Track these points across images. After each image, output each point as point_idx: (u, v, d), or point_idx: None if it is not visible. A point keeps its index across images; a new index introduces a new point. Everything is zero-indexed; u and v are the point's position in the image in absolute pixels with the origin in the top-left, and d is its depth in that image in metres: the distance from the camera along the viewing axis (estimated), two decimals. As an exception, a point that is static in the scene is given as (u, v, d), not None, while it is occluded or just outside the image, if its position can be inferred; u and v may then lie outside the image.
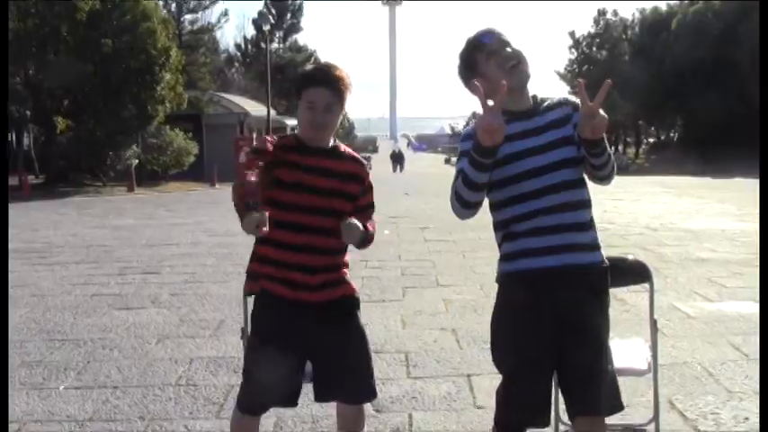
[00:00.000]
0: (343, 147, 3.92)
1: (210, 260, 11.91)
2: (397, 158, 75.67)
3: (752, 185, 26.78)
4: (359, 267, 10.56)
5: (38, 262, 12.07)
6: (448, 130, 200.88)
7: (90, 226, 17.38)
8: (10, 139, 42.01)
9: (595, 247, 3.65)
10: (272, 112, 45.84)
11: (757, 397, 5.38)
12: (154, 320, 8.07)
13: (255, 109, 45.05)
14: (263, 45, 51.23)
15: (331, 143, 3.84)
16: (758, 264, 10.57)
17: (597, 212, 3.84)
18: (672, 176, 33.98)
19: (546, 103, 3.68)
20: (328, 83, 3.70)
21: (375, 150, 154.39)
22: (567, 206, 3.56)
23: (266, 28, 48.73)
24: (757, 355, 6.34)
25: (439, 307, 8.34)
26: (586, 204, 3.66)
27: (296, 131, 3.89)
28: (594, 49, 72.76)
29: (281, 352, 3.69)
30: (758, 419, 4.98)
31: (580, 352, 3.55)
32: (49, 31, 30.40)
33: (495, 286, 3.79)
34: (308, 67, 3.94)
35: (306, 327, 3.74)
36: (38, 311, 8.54)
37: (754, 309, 7.92)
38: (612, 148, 67.42)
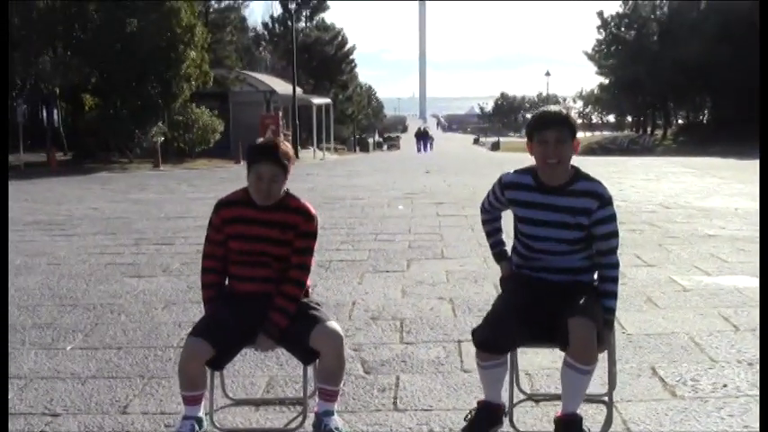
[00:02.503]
0: (292, 200, 4.58)
1: (225, 232, 12.09)
2: (422, 137, 75.13)
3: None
4: (368, 240, 10.77)
5: (58, 233, 12.33)
6: (477, 111, 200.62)
7: (111, 200, 17.66)
8: (40, 116, 42.46)
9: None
10: (299, 90, 45.99)
11: (740, 366, 5.54)
12: (162, 287, 8.30)
13: (282, 87, 45.15)
14: (289, 24, 51.29)
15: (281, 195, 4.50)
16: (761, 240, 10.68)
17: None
18: (697, 157, 33.82)
19: (576, 186, 4.31)
20: (274, 158, 4.38)
21: (405, 130, 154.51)
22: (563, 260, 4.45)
23: (292, 6, 48.95)
24: (746, 327, 6.49)
25: (440, 277, 8.49)
26: (583, 266, 4.45)
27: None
28: (623, 29, 72.21)
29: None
30: (736, 386, 5.15)
31: (569, 307, 4.20)
32: (77, 10, 30.70)
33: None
34: (258, 141, 4.66)
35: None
36: (53, 278, 8.81)
37: (750, 283, 8.03)
38: (641, 130, 67.18)
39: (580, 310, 4.18)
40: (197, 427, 4.38)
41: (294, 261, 4.49)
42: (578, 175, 4.34)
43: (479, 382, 4.69)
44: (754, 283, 8.04)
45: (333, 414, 4.45)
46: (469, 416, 4.43)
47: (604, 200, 4.27)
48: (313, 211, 4.57)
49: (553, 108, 4.45)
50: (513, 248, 4.66)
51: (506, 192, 4.48)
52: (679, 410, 4.73)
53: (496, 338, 4.23)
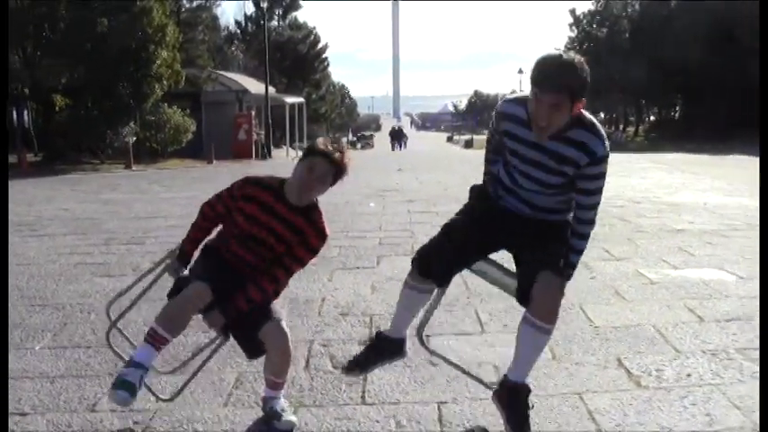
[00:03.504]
0: (316, 212, 4.57)
1: (195, 231, 12.09)
2: (396, 136, 75.16)
3: (748, 162, 26.93)
4: (339, 237, 10.78)
5: (28, 234, 12.29)
6: (451, 109, 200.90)
7: (82, 201, 17.58)
8: (10, 117, 42.14)
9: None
10: (272, 89, 45.91)
11: (704, 356, 5.61)
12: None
13: (255, 87, 45.07)
14: (262, 22, 51.18)
15: (308, 202, 4.51)
16: (730, 234, 10.80)
17: None
18: (668, 153, 34.04)
19: (570, 133, 4.01)
20: (334, 164, 4.39)
21: (378, 128, 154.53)
22: (540, 198, 4.28)
23: (264, 5, 48.93)
24: (711, 318, 6.58)
25: (410, 273, 8.53)
26: (560, 208, 4.32)
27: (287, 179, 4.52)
28: (595, 26, 72.56)
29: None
30: (699, 376, 5.22)
31: (539, 255, 4.18)
32: (46, 9, 30.51)
33: None
34: (326, 144, 4.49)
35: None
36: (22, 279, 8.77)
37: (716, 275, 8.14)
38: (613, 127, 67.50)
39: (552, 264, 4.13)
40: (143, 382, 4.27)
41: (285, 261, 4.49)
42: (580, 120, 4.03)
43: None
44: (720, 275, 8.15)
45: (279, 398, 4.58)
46: (367, 342, 4.54)
47: (596, 158, 4.01)
48: (328, 231, 4.57)
49: (557, 59, 3.93)
50: (497, 174, 4.49)
51: (501, 123, 4.25)
52: (643, 400, 4.79)
53: (432, 264, 4.28)
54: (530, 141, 4.08)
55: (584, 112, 4.02)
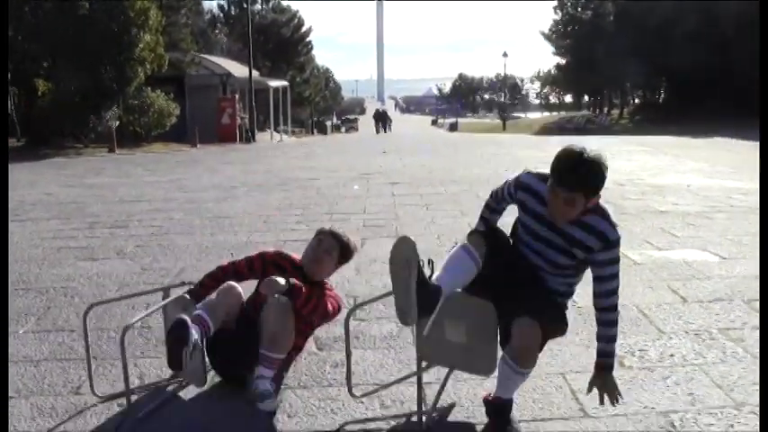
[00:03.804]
0: (327, 288, 5.01)
1: (179, 214, 12.10)
2: (381, 118, 75.02)
3: (730, 145, 27.07)
4: (322, 220, 10.78)
5: (11, 218, 12.22)
6: (435, 92, 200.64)
7: (65, 185, 17.49)
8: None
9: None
10: (255, 73, 45.76)
11: (687, 336, 5.64)
12: (116, 270, 8.29)
13: (238, 70, 44.89)
14: (245, 6, 50.94)
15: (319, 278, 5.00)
16: (713, 216, 10.85)
17: None
18: (652, 136, 34.12)
19: (584, 218, 4.04)
20: (338, 236, 5.08)
21: (363, 112, 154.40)
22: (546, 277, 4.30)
23: (248, -12, 48.64)
24: (694, 299, 6.62)
25: (394, 256, 8.53)
26: (558, 290, 4.35)
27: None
28: (580, 9, 72.68)
29: None
30: (682, 356, 5.25)
31: (520, 304, 4.13)
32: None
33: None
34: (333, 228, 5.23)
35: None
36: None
37: (699, 256, 8.19)
38: (597, 110, 67.78)
39: (529, 309, 4.08)
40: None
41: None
42: (595, 208, 4.06)
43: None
44: (703, 256, 8.21)
45: (267, 378, 4.52)
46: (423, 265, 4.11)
47: (609, 242, 4.07)
48: (335, 314, 5.01)
49: (577, 157, 3.90)
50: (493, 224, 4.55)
51: (519, 192, 4.26)
52: (627, 380, 4.82)
53: (496, 240, 4.31)
54: (545, 220, 4.13)
55: (600, 202, 4.09)
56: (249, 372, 4.67)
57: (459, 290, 4.35)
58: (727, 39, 47.61)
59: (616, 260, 4.15)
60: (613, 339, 4.19)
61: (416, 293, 3.93)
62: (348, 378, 4.49)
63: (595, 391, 4.16)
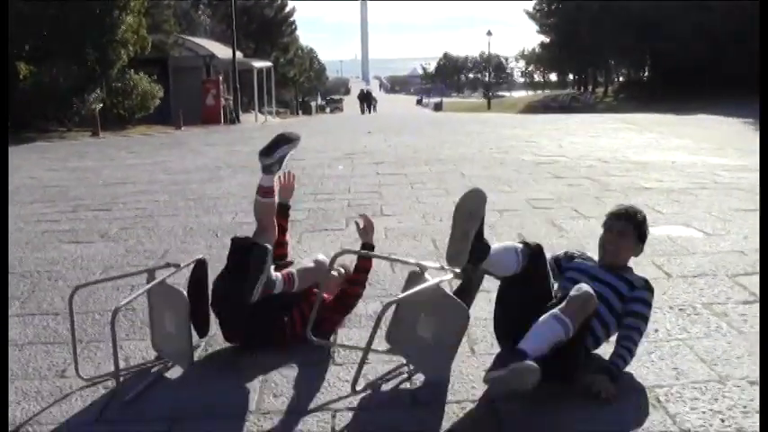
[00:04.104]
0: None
1: (164, 197, 12.06)
2: (365, 98, 74.79)
3: (714, 122, 27.11)
4: (307, 200, 10.79)
5: (-7, 202, 12.19)
6: (420, 72, 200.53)
7: (49, 168, 17.41)
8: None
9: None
10: (239, 54, 45.60)
11: (672, 312, 5.65)
12: (101, 252, 8.26)
13: (222, 51, 44.70)
14: (228, -14, 50.68)
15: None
16: (697, 192, 10.88)
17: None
18: (636, 114, 34.17)
19: (626, 274, 4.82)
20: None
21: (347, 92, 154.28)
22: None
23: (230, -32, 48.31)
24: (678, 274, 6.64)
25: (378, 235, 8.47)
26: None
27: None
28: (564, -14, 72.54)
29: None
30: (667, 331, 5.27)
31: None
32: (8, -25, 30.06)
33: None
34: None
35: None
36: (-12, 248, 8.71)
37: (683, 232, 8.21)
38: (582, 88, 67.83)
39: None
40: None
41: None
42: (633, 271, 4.90)
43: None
44: (687, 232, 8.23)
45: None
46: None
47: (635, 286, 4.71)
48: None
49: (629, 206, 5.10)
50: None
51: (567, 261, 5.04)
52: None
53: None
54: (592, 273, 4.78)
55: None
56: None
57: (446, 288, 4.66)
58: (715, 18, 47.59)
59: (644, 300, 4.68)
60: (629, 356, 4.52)
61: (472, 243, 4.28)
62: (357, 373, 4.53)
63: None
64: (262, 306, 4.91)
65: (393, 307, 4.83)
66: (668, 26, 50.61)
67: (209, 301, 5.18)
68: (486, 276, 4.88)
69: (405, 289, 4.93)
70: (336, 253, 5.30)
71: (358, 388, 4.48)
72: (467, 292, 4.90)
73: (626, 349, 4.47)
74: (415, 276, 5.00)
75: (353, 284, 5.50)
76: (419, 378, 4.69)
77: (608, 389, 4.23)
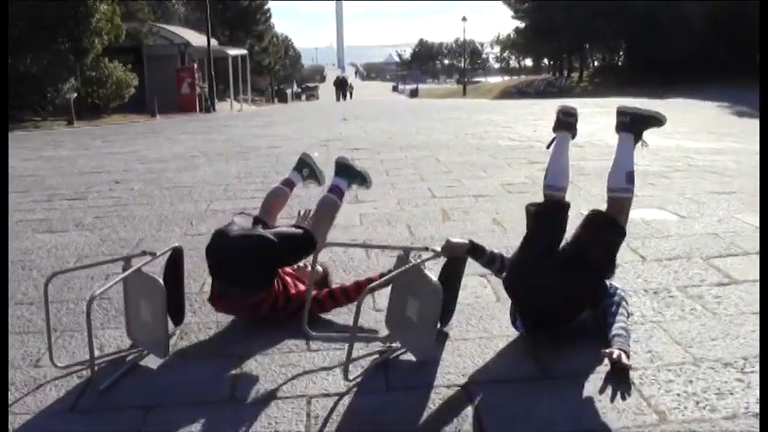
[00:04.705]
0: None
1: (138, 185, 11.99)
2: (341, 85, 74.63)
3: (688, 106, 27.24)
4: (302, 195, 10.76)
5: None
6: (396, 59, 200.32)
7: (24, 158, 17.28)
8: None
9: None
10: (214, 42, 45.40)
11: (646, 295, 5.68)
12: (75, 242, 8.22)
13: (197, 39, 44.47)
14: (202, -26, 50.44)
15: None
16: (671, 175, 10.93)
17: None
18: (611, 98, 34.24)
19: None
20: None
21: (323, 80, 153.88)
22: None
23: (204, -45, 48.10)
24: (653, 257, 6.67)
25: (354, 221, 8.51)
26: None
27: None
28: (538, -28, 72.62)
29: None
30: (642, 313, 5.29)
31: None
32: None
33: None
34: None
35: None
36: (-39, 238, 8.65)
37: (657, 215, 8.25)
38: (557, 73, 68.06)
39: None
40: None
41: None
42: None
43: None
44: (662, 215, 8.28)
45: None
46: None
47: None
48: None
49: None
50: None
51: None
52: (587, 338, 4.82)
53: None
54: None
55: None
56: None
57: (424, 268, 4.70)
58: (689, 5, 47.79)
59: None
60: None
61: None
62: (347, 361, 4.50)
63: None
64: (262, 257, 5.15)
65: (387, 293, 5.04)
66: (640, 6, 50.78)
67: (208, 247, 5.31)
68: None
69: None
70: (320, 245, 5.37)
71: (350, 377, 4.47)
72: (453, 273, 5.02)
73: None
74: (401, 261, 5.09)
75: (345, 295, 5.50)
76: (393, 363, 4.70)
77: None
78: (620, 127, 5.20)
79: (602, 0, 55.54)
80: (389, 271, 5.31)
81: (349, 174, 6.00)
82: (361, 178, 6.10)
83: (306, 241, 5.32)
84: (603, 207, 5.32)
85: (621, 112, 5.13)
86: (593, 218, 4.99)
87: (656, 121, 5.27)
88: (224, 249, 5.17)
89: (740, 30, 44.46)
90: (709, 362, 4.44)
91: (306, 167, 6.40)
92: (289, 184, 6.23)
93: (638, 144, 5.32)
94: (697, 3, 47.52)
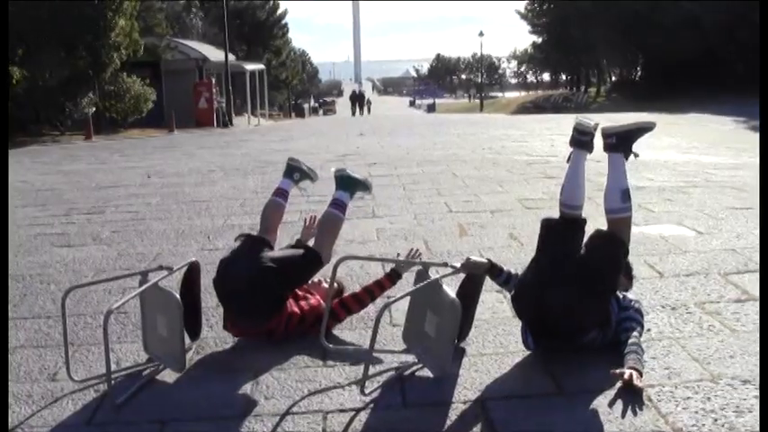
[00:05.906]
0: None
1: (156, 199, 12.05)
2: (357, 100, 74.61)
3: (705, 121, 27.15)
4: (299, 201, 10.73)
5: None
6: (413, 73, 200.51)
7: (42, 172, 17.40)
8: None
9: None
10: (231, 57, 45.55)
11: (664, 311, 5.65)
12: (93, 256, 8.25)
13: (214, 54, 44.64)
14: (220, -11, 50.61)
15: None
16: (689, 191, 10.89)
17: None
18: (628, 113, 34.16)
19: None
20: None
21: (340, 94, 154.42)
22: None
23: (222, -28, 48.28)
24: (671, 273, 6.64)
25: (370, 236, 8.53)
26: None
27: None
28: (556, -13, 72.57)
29: None
30: (659, 330, 5.26)
31: None
32: (-1, -21, 30.01)
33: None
34: None
35: None
36: (-21, 252, 8.69)
37: (675, 231, 8.21)
38: (574, 88, 67.89)
39: None
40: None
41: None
42: None
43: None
44: (679, 231, 8.23)
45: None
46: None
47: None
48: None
49: None
50: None
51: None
52: (600, 354, 4.79)
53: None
54: None
55: None
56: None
57: (441, 284, 4.71)
58: (702, 16, 47.62)
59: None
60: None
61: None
62: (365, 376, 4.49)
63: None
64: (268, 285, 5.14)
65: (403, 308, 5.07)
66: (657, 20, 50.60)
67: (216, 279, 5.31)
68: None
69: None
70: (339, 259, 5.38)
71: (367, 392, 4.46)
72: (472, 289, 5.05)
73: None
74: (420, 276, 5.11)
75: (358, 303, 5.57)
76: (410, 378, 4.69)
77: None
78: (608, 148, 5.16)
79: (619, 12, 55.36)
80: (397, 273, 5.55)
81: (350, 185, 5.88)
82: (362, 186, 6.00)
83: (310, 260, 5.40)
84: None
85: (607, 135, 5.11)
86: (594, 236, 5.05)
87: (643, 131, 5.23)
88: (231, 282, 5.18)
89: (756, 44, 44.32)
90: (727, 379, 4.41)
91: (296, 171, 6.37)
92: (282, 194, 6.16)
93: (630, 158, 5.35)
94: (712, 16, 47.26)
